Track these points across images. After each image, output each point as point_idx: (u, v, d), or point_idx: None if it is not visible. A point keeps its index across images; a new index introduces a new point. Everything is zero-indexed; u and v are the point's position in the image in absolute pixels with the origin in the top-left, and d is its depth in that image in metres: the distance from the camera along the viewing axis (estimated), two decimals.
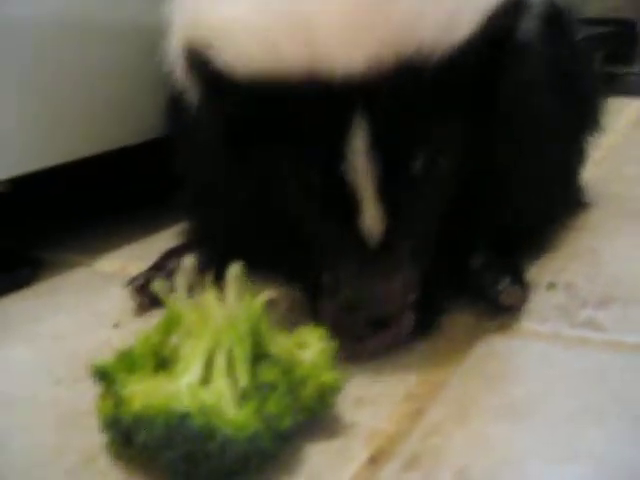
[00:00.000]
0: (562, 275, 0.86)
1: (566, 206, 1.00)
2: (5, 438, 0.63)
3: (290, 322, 0.65)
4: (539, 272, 0.86)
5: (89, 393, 0.59)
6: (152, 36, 0.96)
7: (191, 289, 0.59)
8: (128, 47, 0.99)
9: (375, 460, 0.57)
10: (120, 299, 0.85)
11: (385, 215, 0.63)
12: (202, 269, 0.78)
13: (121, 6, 0.98)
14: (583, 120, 0.97)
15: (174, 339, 0.58)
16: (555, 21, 0.83)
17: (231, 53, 0.62)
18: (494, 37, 0.62)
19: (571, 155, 0.97)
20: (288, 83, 0.60)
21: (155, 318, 0.73)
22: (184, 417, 0.51)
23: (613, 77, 1.98)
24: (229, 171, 0.73)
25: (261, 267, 0.83)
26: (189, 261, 0.58)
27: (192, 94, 0.71)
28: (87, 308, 0.87)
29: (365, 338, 0.68)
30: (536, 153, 0.78)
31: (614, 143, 1.43)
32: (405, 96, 0.60)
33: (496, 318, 0.77)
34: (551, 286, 0.83)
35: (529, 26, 0.68)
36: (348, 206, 0.63)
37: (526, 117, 0.72)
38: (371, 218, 0.63)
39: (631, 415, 0.61)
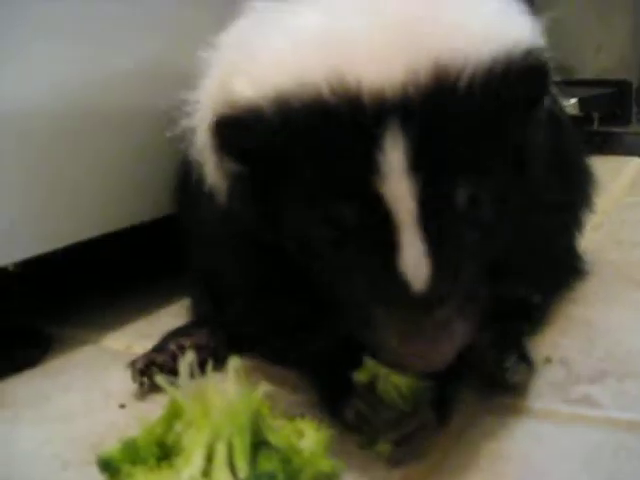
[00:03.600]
0: (557, 349, 0.88)
1: (564, 279, 1.02)
2: None
3: (289, 411, 0.66)
4: (535, 346, 0.87)
5: (97, 477, 0.60)
6: (159, 120, 1.01)
7: (192, 374, 0.61)
8: (135, 131, 1.03)
9: None
10: (126, 378, 0.87)
11: (429, 252, 0.56)
12: (202, 350, 0.82)
13: (129, 92, 1.02)
14: (578, 197, 0.99)
15: (177, 429, 0.60)
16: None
17: (259, 81, 0.60)
18: (527, 66, 0.60)
19: (567, 233, 0.99)
20: (315, 102, 0.57)
21: (160, 398, 0.75)
22: None
23: (609, 137, 2.01)
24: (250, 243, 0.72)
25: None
26: (190, 355, 0.60)
27: (212, 170, 0.71)
28: (94, 388, 0.89)
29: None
30: (537, 224, 0.79)
31: (610, 207, 1.45)
32: (442, 114, 0.57)
33: (496, 396, 0.78)
34: (547, 361, 0.85)
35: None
36: (386, 245, 0.56)
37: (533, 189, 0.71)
38: (413, 256, 0.56)
39: None
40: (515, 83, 0.60)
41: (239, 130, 0.61)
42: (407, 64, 0.56)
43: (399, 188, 0.56)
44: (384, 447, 0.68)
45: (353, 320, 0.63)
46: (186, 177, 0.86)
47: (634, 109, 2.10)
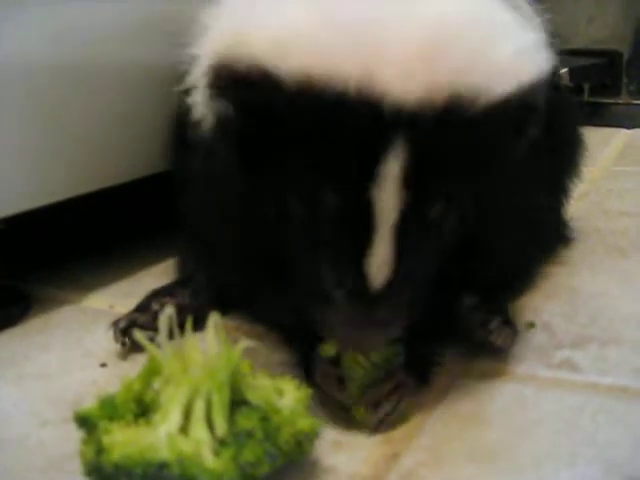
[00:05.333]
0: (541, 314, 0.88)
1: (550, 246, 1.02)
2: None
3: (269, 369, 0.66)
4: (519, 311, 0.87)
5: (75, 435, 0.60)
6: (153, 76, 0.99)
7: (172, 335, 0.60)
8: (127, 89, 1.02)
9: None
10: (107, 338, 0.86)
11: (395, 256, 0.61)
12: (184, 311, 0.81)
13: (123, 47, 1.01)
14: (566, 167, 0.99)
15: (155, 386, 0.60)
16: None
17: (287, 62, 0.60)
18: (526, 105, 0.63)
19: (554, 200, 0.99)
20: (337, 92, 0.58)
21: (142, 357, 0.75)
22: (162, 467, 0.52)
23: (599, 108, 2.01)
24: (240, 198, 0.71)
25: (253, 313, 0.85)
26: (169, 309, 0.60)
27: (209, 122, 0.70)
28: (75, 347, 0.88)
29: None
30: (520, 208, 0.79)
31: (598, 176, 1.45)
32: (447, 137, 0.59)
33: (478, 360, 0.78)
34: (530, 326, 0.85)
35: None
36: (357, 239, 0.60)
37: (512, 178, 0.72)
38: (381, 256, 0.60)
39: (604, 459, 0.62)
40: (512, 120, 0.63)
41: (248, 82, 0.62)
42: (428, 83, 0.58)
43: (387, 195, 0.59)
44: (358, 412, 0.67)
45: (306, 291, 0.67)
46: (178, 133, 0.86)
47: (624, 80, 2.09)
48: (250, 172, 0.67)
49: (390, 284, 0.61)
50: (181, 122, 0.83)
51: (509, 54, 0.62)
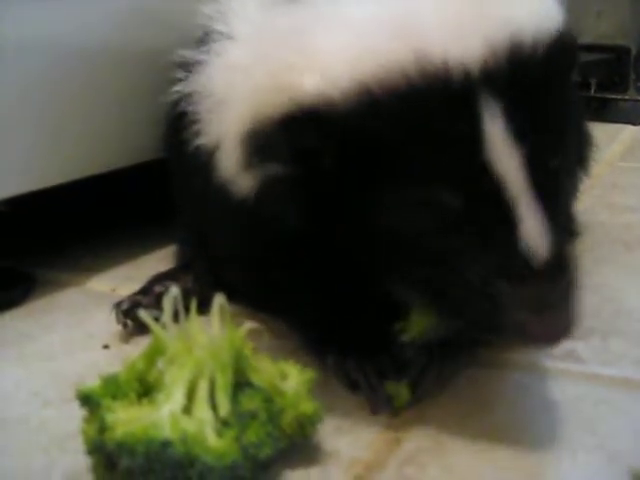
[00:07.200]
0: None
1: None
2: None
3: (273, 353, 0.66)
4: None
5: (77, 415, 0.60)
6: (152, 62, 0.99)
7: (177, 316, 0.60)
8: (128, 72, 1.01)
9: None
10: (110, 320, 0.86)
11: (547, 222, 0.55)
12: (188, 295, 0.81)
13: (124, 33, 1.00)
14: (576, 159, 0.98)
15: (159, 365, 0.60)
16: None
17: (330, 75, 0.57)
18: (569, 46, 0.62)
19: (568, 193, 0.98)
20: (405, 87, 0.55)
21: (144, 340, 0.75)
22: (165, 445, 0.52)
23: (606, 103, 2.00)
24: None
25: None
26: (175, 290, 0.60)
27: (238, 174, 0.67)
28: (77, 329, 0.88)
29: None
30: None
31: (604, 172, 1.45)
32: (522, 84, 0.56)
33: (481, 349, 0.78)
34: None
35: None
36: (500, 218, 0.55)
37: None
38: (534, 226, 0.55)
39: (605, 449, 0.62)
40: (562, 54, 0.60)
41: (318, 125, 0.58)
42: (485, 39, 0.56)
43: (507, 160, 0.54)
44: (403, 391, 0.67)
45: (456, 304, 0.61)
46: (179, 125, 0.83)
47: (632, 76, 2.08)
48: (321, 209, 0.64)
49: (555, 252, 0.56)
50: (178, 113, 0.82)
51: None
